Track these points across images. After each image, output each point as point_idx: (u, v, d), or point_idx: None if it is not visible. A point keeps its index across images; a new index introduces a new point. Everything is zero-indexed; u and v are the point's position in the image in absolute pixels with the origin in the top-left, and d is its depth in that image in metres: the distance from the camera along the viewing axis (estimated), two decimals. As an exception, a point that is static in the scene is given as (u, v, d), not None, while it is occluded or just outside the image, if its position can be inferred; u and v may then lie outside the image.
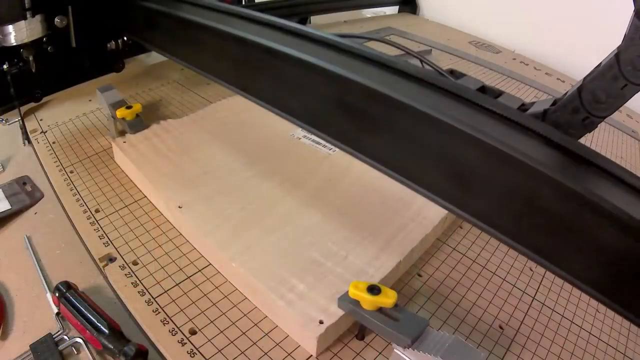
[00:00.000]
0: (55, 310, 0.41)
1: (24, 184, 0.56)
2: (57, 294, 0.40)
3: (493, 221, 0.30)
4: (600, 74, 0.32)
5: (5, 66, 0.64)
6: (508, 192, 0.28)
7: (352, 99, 0.35)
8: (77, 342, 0.39)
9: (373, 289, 0.36)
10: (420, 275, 0.48)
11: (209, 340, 0.39)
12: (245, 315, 0.41)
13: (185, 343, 0.38)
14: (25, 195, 0.54)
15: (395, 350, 0.36)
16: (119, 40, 0.73)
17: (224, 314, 0.41)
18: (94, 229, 0.49)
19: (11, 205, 0.51)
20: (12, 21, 0.58)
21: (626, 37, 0.31)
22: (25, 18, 0.59)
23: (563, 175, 0.26)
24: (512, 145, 0.27)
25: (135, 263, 0.45)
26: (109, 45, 0.73)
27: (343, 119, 0.37)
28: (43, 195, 0.55)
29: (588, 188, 0.26)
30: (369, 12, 1.35)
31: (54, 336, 0.39)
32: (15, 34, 0.59)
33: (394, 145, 0.33)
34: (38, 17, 0.61)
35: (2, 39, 0.59)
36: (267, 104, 0.43)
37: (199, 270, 0.45)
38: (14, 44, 0.60)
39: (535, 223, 0.28)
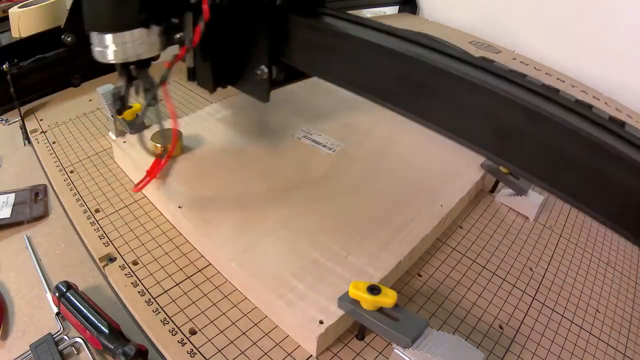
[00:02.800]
0: (55, 310, 0.41)
1: (37, 194, 0.55)
2: (57, 294, 0.40)
3: (530, 168, 0.35)
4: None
5: (5, 66, 0.64)
6: (543, 145, 0.33)
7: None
8: (77, 342, 0.39)
9: (373, 289, 0.36)
10: (420, 275, 0.48)
11: (209, 340, 0.39)
12: (245, 315, 0.41)
13: (185, 343, 0.38)
14: (29, 209, 0.52)
15: (395, 350, 0.36)
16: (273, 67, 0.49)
17: (224, 314, 0.41)
18: (94, 229, 0.49)
19: (10, 215, 0.51)
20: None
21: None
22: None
23: (589, 131, 0.31)
24: (547, 109, 0.32)
25: (135, 263, 0.45)
26: (258, 72, 0.48)
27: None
28: (47, 215, 0.53)
29: (607, 142, 0.30)
30: (369, 12, 1.35)
31: (54, 336, 0.39)
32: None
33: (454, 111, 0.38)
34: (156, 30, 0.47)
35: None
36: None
37: (199, 270, 0.45)
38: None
39: (566, 168, 0.33)
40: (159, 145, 0.54)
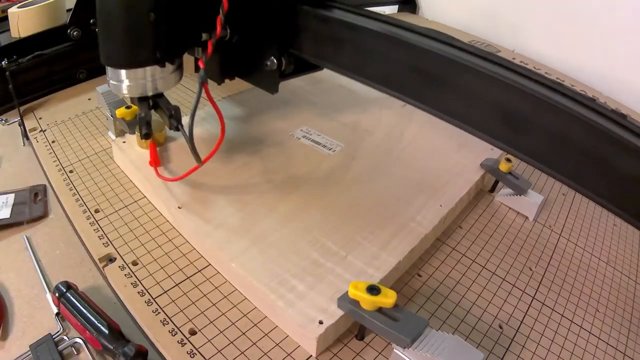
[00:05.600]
0: (55, 310, 0.41)
1: (36, 194, 0.55)
2: (57, 294, 0.40)
3: (536, 155, 0.36)
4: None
5: (3, 63, 0.64)
6: (550, 132, 0.34)
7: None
8: (77, 342, 0.39)
9: (373, 289, 0.36)
10: (420, 275, 0.48)
11: (209, 341, 0.39)
12: (245, 315, 0.41)
13: (185, 343, 0.38)
14: (29, 209, 0.52)
15: (395, 350, 0.36)
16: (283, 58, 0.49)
17: (223, 314, 0.41)
18: (94, 229, 0.49)
19: (10, 216, 0.51)
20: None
21: None
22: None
23: (594, 118, 0.32)
24: (554, 98, 0.33)
25: (135, 263, 0.45)
26: (268, 63, 0.49)
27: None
28: (47, 215, 0.53)
29: (611, 129, 0.31)
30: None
31: (53, 336, 0.39)
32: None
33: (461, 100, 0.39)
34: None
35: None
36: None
37: (199, 271, 0.45)
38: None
39: (571, 155, 0.34)
40: None
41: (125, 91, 0.46)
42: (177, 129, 0.48)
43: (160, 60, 0.45)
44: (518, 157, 0.37)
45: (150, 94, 0.47)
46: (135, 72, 0.45)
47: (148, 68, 0.45)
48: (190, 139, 0.46)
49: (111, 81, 0.46)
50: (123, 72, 0.45)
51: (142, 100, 0.48)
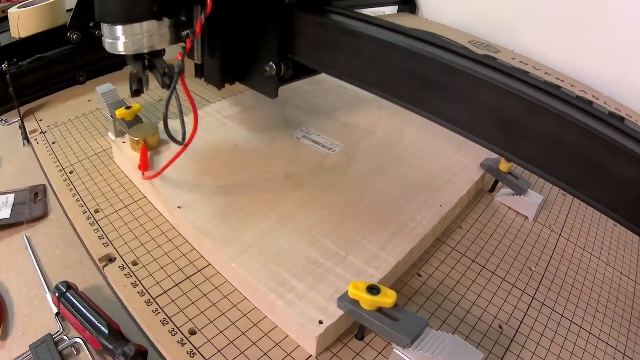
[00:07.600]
0: (55, 310, 0.41)
1: (36, 194, 0.55)
2: (57, 294, 0.40)
3: (532, 160, 0.36)
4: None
5: (4, 66, 0.64)
6: (546, 138, 0.34)
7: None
8: (77, 342, 0.39)
9: (372, 289, 0.36)
10: (420, 275, 0.48)
11: (209, 341, 0.39)
12: (245, 315, 0.41)
13: (185, 343, 0.38)
14: (29, 209, 0.52)
15: (395, 350, 0.36)
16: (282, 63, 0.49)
17: (223, 314, 0.41)
18: (94, 230, 0.49)
19: (10, 216, 0.51)
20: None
21: None
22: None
23: (590, 123, 0.32)
24: (549, 103, 0.33)
25: (135, 263, 0.45)
26: (267, 69, 0.49)
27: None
28: (47, 215, 0.53)
29: (607, 134, 0.31)
30: (368, 12, 1.35)
31: (53, 336, 0.39)
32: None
33: (458, 105, 0.39)
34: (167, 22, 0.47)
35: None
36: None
37: (199, 271, 0.45)
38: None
39: (567, 160, 0.34)
40: (136, 139, 0.54)
41: (121, 48, 0.45)
42: (169, 87, 0.47)
43: (158, 13, 0.44)
44: (514, 162, 0.37)
45: (146, 50, 0.46)
46: (132, 28, 0.44)
47: (145, 23, 0.44)
48: (165, 124, 0.45)
49: (107, 40, 0.45)
50: (119, 28, 0.44)
51: (137, 58, 0.47)
